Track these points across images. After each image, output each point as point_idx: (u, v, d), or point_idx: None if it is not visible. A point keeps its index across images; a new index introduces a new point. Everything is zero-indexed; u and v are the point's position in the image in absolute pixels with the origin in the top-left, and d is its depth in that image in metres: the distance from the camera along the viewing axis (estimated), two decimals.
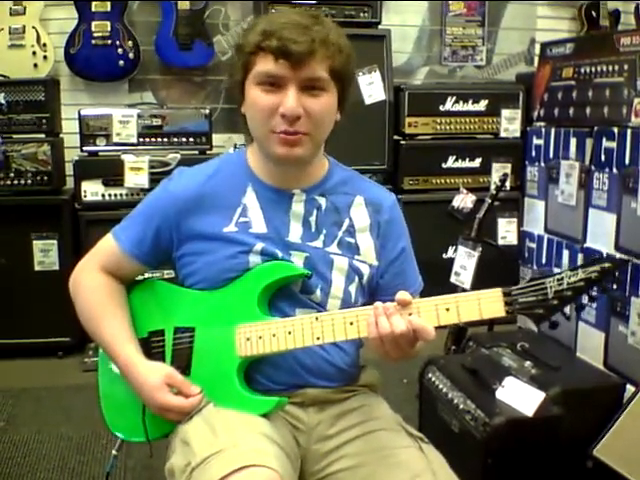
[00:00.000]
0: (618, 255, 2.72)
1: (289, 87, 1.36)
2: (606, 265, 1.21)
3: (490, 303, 1.27)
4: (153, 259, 1.56)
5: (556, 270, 3.15)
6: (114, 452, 1.66)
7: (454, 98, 3.98)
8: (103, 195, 3.56)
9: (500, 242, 3.81)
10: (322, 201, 1.52)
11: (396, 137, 4.00)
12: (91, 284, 1.56)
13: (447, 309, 1.29)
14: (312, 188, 1.52)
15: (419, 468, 1.35)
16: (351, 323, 1.33)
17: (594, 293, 1.24)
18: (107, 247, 1.58)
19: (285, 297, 1.47)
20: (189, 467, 1.25)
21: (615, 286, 1.22)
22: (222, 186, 1.50)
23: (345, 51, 1.42)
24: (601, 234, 2.82)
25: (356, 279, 1.51)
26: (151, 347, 1.52)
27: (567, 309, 1.25)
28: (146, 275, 1.63)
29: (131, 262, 1.55)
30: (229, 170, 1.54)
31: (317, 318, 1.36)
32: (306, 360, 1.47)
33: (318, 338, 1.36)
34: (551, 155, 3.24)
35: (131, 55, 3.90)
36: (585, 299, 1.26)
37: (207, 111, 3.72)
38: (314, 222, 1.50)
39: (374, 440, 1.44)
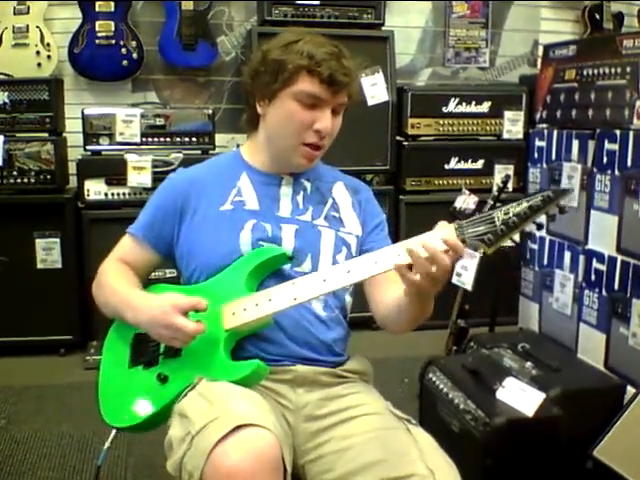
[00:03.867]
0: (620, 257, 2.72)
1: (325, 108, 1.59)
2: (546, 194, 1.29)
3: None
4: (162, 243, 1.70)
5: (557, 272, 3.16)
6: (107, 444, 1.68)
7: (457, 99, 3.98)
8: (106, 194, 3.56)
9: None
10: (307, 185, 1.72)
11: (399, 138, 4.01)
12: (108, 267, 1.72)
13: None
14: (299, 174, 1.71)
15: (406, 447, 1.39)
16: (324, 280, 1.42)
17: (539, 220, 1.34)
18: (123, 243, 1.75)
19: (275, 275, 1.59)
20: (189, 436, 1.29)
21: (561, 213, 1.31)
22: (219, 174, 1.71)
23: (359, 78, 1.73)
24: (603, 236, 2.82)
25: (344, 249, 1.66)
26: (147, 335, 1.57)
27: (516, 237, 1.40)
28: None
29: (144, 248, 1.71)
30: (225, 163, 1.77)
31: (294, 283, 1.46)
32: (291, 330, 1.57)
33: (295, 299, 1.44)
34: (553, 157, 3.25)
35: (135, 55, 3.91)
36: (533, 227, 1.38)
37: (210, 111, 3.73)
38: (301, 200, 1.69)
39: (362, 423, 1.49)
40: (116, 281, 1.66)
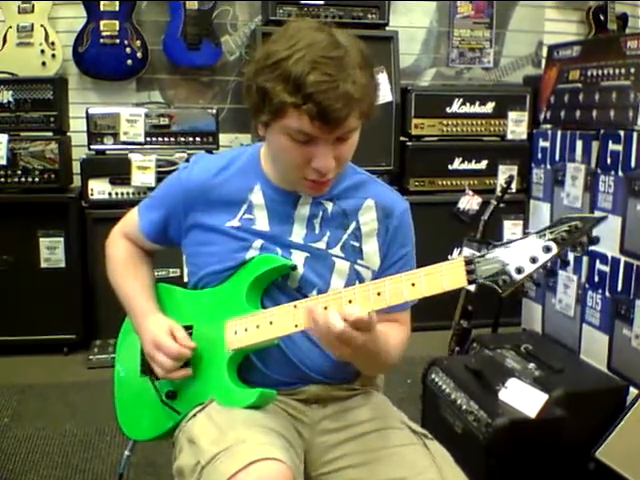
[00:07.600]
0: (623, 259, 2.72)
1: (322, 144, 1.32)
2: (574, 224, 1.08)
3: (452, 274, 1.18)
4: (165, 242, 1.64)
5: (561, 273, 3.15)
6: (127, 453, 1.69)
7: (461, 100, 3.98)
8: (110, 193, 3.57)
9: None
10: (329, 205, 1.50)
11: (402, 138, 4.01)
12: (115, 247, 1.69)
13: (413, 284, 1.23)
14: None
15: (424, 465, 1.37)
16: (325, 308, 1.29)
17: (566, 256, 1.13)
18: (132, 219, 1.69)
19: (284, 296, 1.47)
20: (199, 466, 1.27)
21: (591, 244, 1.09)
22: (231, 180, 1.51)
23: (372, 88, 1.35)
24: (606, 237, 2.81)
25: (357, 283, 1.48)
26: None
27: (536, 275, 1.14)
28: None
29: (146, 241, 1.65)
30: (241, 166, 1.53)
31: (295, 306, 1.36)
32: (301, 356, 1.48)
33: (296, 325, 1.35)
34: (557, 157, 3.24)
35: (139, 54, 3.91)
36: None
37: (214, 111, 3.73)
38: (318, 224, 1.49)
39: (378, 439, 1.45)
40: (123, 271, 1.65)
